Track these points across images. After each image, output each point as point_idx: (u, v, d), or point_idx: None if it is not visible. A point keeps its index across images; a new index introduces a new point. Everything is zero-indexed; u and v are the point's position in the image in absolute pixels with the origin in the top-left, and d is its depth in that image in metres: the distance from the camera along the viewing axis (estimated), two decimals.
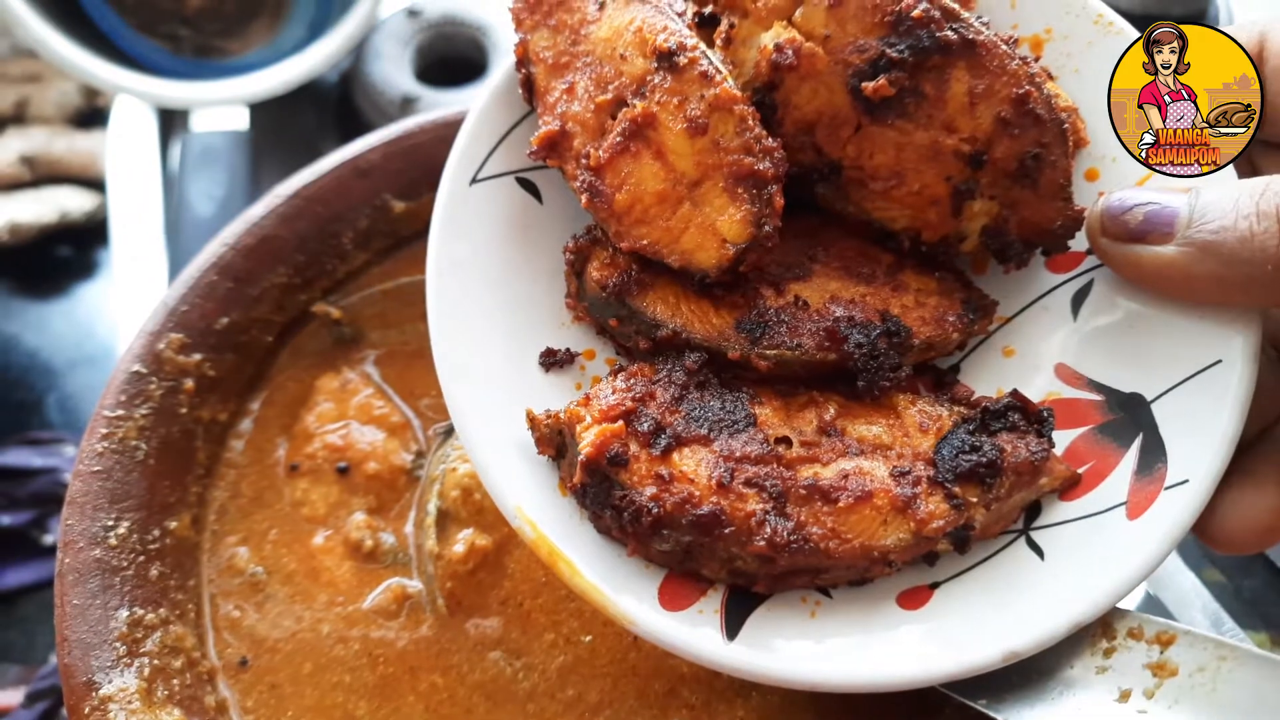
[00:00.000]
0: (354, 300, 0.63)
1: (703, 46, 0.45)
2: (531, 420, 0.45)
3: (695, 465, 0.42)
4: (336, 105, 1.11)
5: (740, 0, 0.46)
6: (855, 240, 0.49)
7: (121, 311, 0.92)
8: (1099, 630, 0.46)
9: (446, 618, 0.54)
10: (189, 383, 0.56)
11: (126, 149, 0.98)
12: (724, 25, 0.47)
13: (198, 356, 0.56)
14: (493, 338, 0.47)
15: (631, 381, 0.45)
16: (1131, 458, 0.44)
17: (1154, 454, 0.43)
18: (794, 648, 0.43)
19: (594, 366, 0.49)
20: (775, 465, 0.43)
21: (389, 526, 0.58)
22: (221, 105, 0.99)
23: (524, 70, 0.49)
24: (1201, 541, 0.43)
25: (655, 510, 0.41)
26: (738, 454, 0.43)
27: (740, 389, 0.46)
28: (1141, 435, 0.44)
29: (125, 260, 0.94)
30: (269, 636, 0.54)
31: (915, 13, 0.43)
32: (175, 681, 0.50)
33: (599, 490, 0.43)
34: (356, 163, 0.61)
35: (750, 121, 0.44)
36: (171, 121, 1.02)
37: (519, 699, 0.53)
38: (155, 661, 0.49)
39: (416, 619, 0.55)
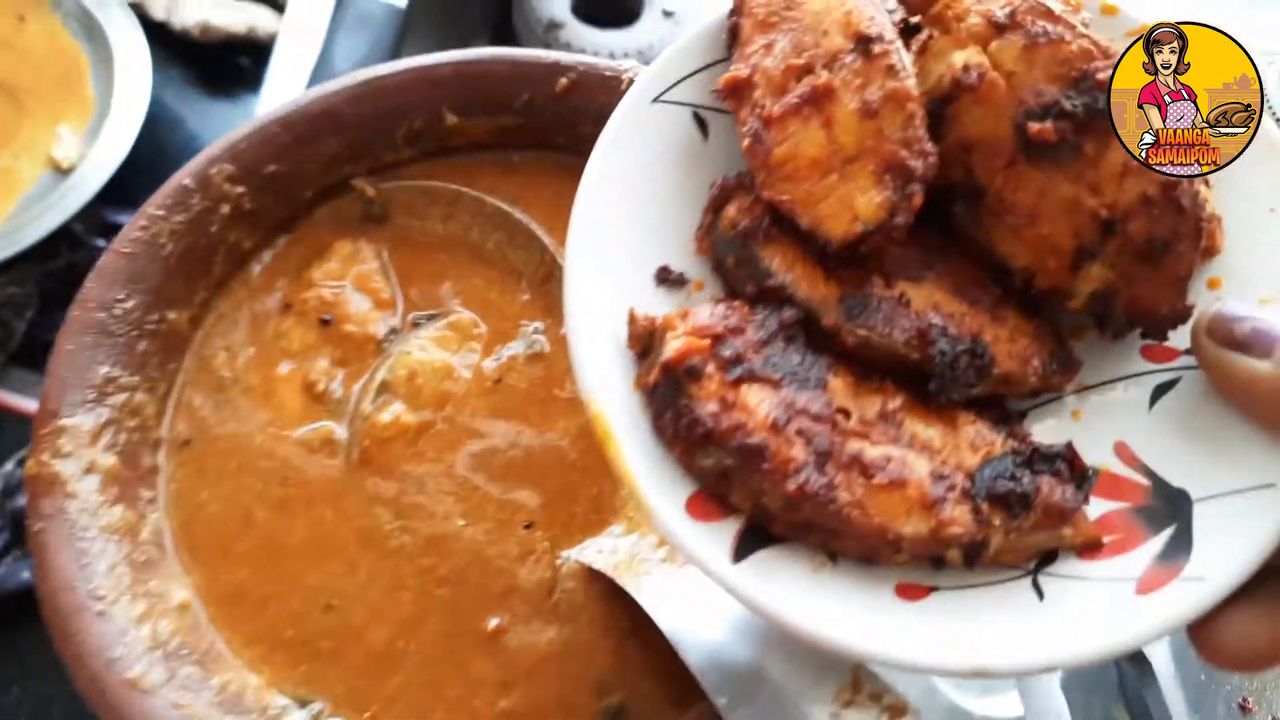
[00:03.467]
0: (390, 186, 0.71)
1: (899, 44, 0.48)
2: (632, 317, 0.48)
3: (758, 401, 0.45)
4: (497, 6, 1.18)
5: (946, 19, 0.49)
6: (972, 267, 0.51)
7: None
8: (849, 681, 0.49)
9: (355, 468, 0.63)
10: (226, 208, 0.65)
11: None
12: (923, 35, 0.49)
13: (241, 189, 0.65)
14: (623, 239, 0.51)
15: (729, 312, 0.47)
16: (1158, 543, 0.45)
17: (1180, 547, 0.45)
18: (787, 591, 0.45)
19: (699, 297, 0.52)
20: (829, 428, 0.45)
21: (344, 380, 0.66)
22: None
23: (734, 19, 0.52)
24: (1192, 643, 0.43)
25: (709, 426, 0.44)
26: (799, 406, 0.45)
27: (822, 356, 0.48)
28: (1175, 526, 0.45)
29: (270, 95, 1.02)
30: (214, 430, 0.64)
31: (1100, 76, 0.45)
32: (123, 436, 0.60)
33: (667, 393, 0.46)
34: (430, 72, 0.68)
35: (917, 121, 0.46)
36: None
37: (384, 552, 0.61)
38: (113, 414, 0.59)
39: (330, 460, 0.63)
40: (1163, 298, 0.47)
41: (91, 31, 0.97)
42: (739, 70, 0.51)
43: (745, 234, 0.50)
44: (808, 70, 0.49)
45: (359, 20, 1.02)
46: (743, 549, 0.46)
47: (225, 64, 1.14)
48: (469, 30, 1.16)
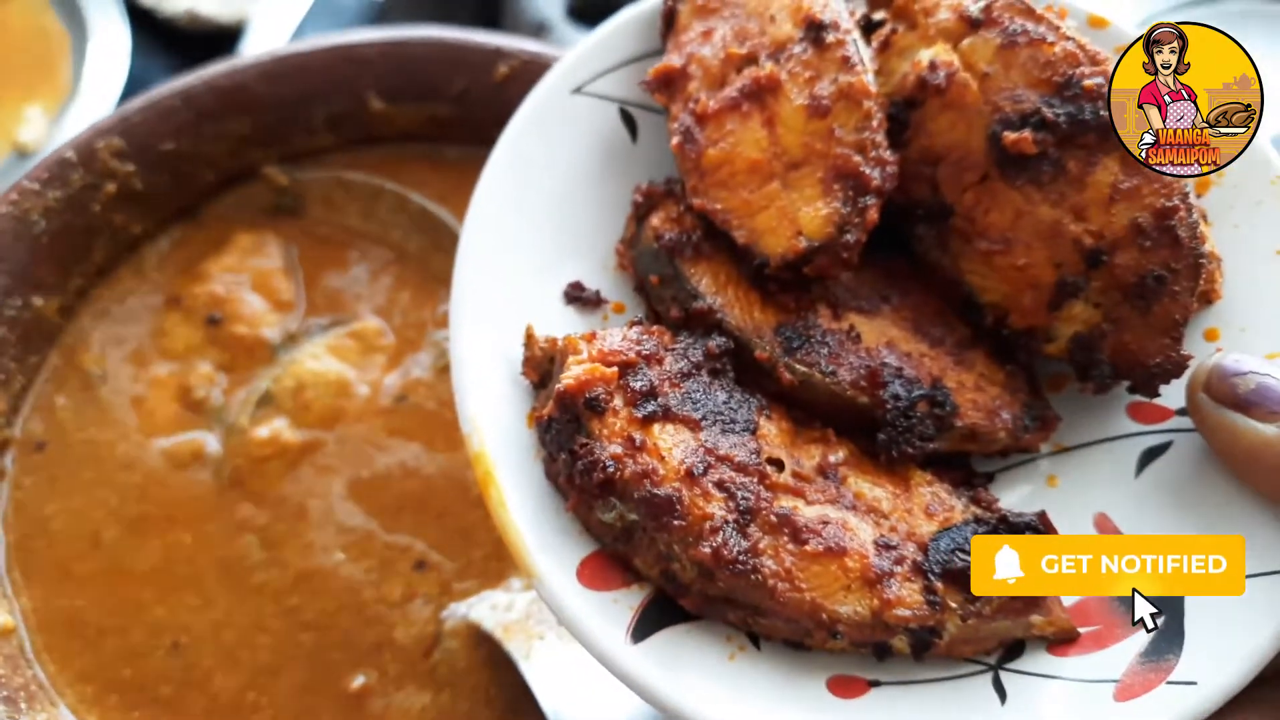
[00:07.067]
0: (305, 176, 0.64)
1: (856, 34, 0.42)
2: (529, 337, 0.42)
3: (672, 444, 0.39)
4: (483, 2, 1.12)
5: (911, 11, 0.43)
6: (936, 300, 0.46)
7: None
8: None
9: (225, 489, 0.56)
10: (111, 186, 0.59)
11: None
12: (886, 30, 0.44)
13: (131, 167, 0.59)
14: (529, 247, 0.45)
15: (644, 338, 0.41)
16: (1143, 637, 0.40)
17: (1169, 642, 0.39)
18: (696, 681, 0.38)
19: (617, 321, 0.45)
20: (756, 480, 0.39)
21: (226, 388, 0.59)
22: None
23: (671, 3, 0.47)
24: None
25: (611, 471, 0.37)
26: (721, 452, 0.39)
27: (754, 395, 0.42)
28: (1163, 618, 0.40)
29: None
30: (74, 434, 0.57)
31: (1087, 83, 0.40)
32: None
33: (564, 430, 0.39)
34: (351, 51, 0.62)
35: (874, 122, 0.41)
36: None
37: (246, 588, 0.54)
38: None
39: (198, 479, 0.56)
40: (1154, 345, 0.41)
41: (73, 14, 0.94)
42: (672, 59, 0.45)
43: (671, 248, 0.44)
44: (750, 60, 0.43)
45: (332, 12, 0.97)
46: (644, 626, 0.39)
47: (212, 54, 1.12)
48: (452, 16, 1.10)
